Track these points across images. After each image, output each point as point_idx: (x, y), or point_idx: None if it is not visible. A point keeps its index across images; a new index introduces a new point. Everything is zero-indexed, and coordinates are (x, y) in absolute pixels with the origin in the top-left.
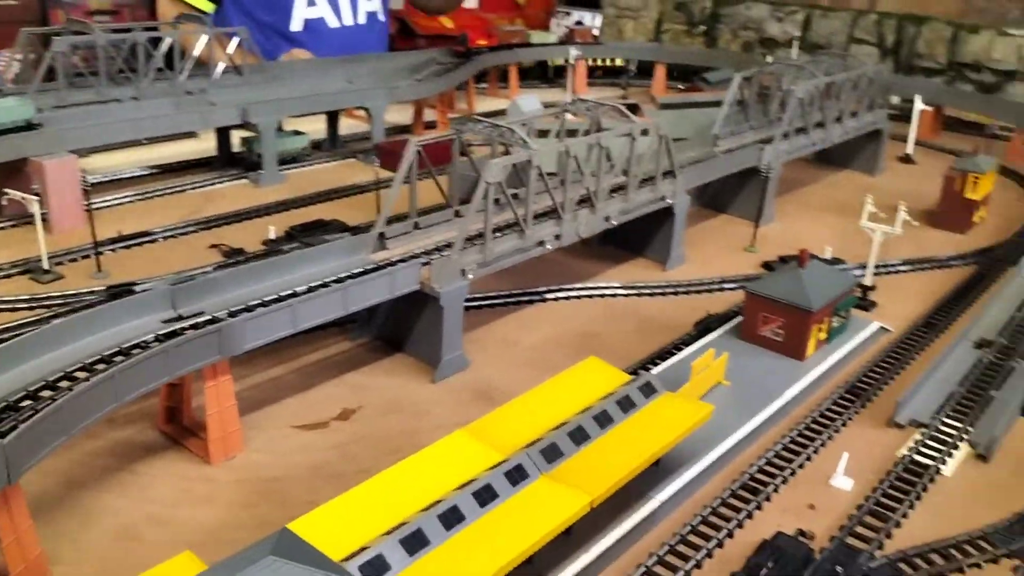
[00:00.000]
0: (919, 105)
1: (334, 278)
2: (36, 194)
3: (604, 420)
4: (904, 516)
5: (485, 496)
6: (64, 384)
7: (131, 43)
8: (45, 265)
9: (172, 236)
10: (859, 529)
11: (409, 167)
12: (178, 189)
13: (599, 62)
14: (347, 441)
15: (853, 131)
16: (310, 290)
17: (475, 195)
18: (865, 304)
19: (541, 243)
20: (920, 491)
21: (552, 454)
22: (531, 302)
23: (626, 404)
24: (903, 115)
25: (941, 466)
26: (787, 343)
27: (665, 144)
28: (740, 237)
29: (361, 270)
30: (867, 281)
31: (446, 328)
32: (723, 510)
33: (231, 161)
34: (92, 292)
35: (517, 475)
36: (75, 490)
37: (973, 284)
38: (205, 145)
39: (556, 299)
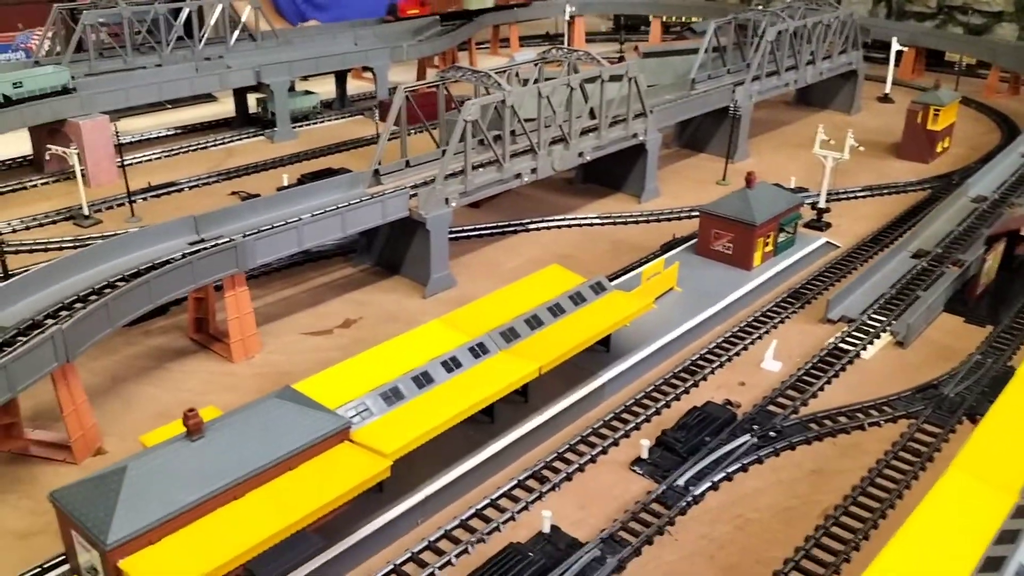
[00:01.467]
0: (895, 47)
1: (333, 207)
2: (75, 151)
3: (557, 311)
4: (821, 390)
5: (452, 365)
6: (107, 291)
7: (153, 15)
8: (85, 211)
9: (196, 186)
10: (780, 399)
11: (399, 112)
12: (201, 146)
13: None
14: (349, 344)
15: (827, 72)
16: (312, 216)
17: (454, 132)
18: (820, 224)
19: (518, 176)
20: (839, 371)
21: (510, 335)
22: (515, 232)
23: (578, 299)
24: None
25: (862, 351)
26: (736, 255)
27: (636, 87)
28: (714, 172)
29: (357, 199)
30: (821, 203)
31: (433, 250)
32: (664, 387)
33: (248, 121)
34: (128, 231)
35: (480, 350)
36: (119, 384)
37: (924, 206)
38: (223, 108)
39: (538, 229)
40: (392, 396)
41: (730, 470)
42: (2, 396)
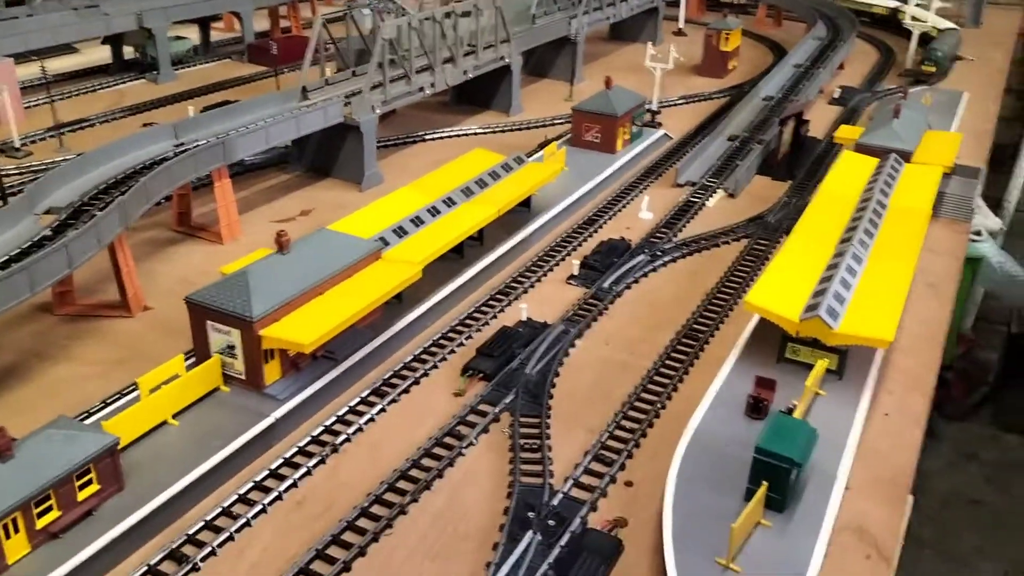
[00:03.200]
0: None
1: (289, 111)
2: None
3: (495, 176)
4: (683, 227)
5: (434, 212)
6: (136, 177)
7: None
8: (16, 144)
9: (107, 121)
10: (658, 234)
11: (317, 36)
12: (89, 90)
13: None
14: (313, 225)
15: (636, 8)
16: (274, 119)
17: (375, 49)
18: (653, 124)
19: (421, 88)
20: (693, 215)
21: (468, 192)
22: (414, 142)
23: (507, 168)
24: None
25: (706, 202)
26: (603, 142)
27: (501, 18)
28: (560, 93)
29: (305, 105)
30: (654, 107)
31: (366, 150)
32: (574, 233)
33: (125, 67)
34: (66, 159)
35: (450, 202)
36: (137, 263)
37: (727, 107)
38: (86, 58)
39: (432, 139)
40: (400, 232)
41: (636, 276)
42: (91, 251)
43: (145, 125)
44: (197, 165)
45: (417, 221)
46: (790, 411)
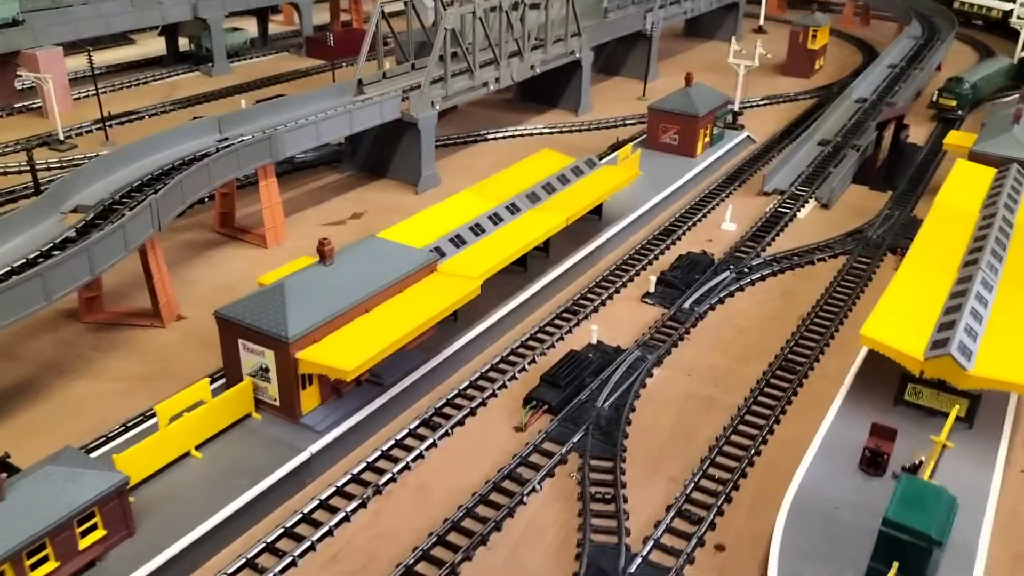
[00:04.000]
0: None
1: (342, 106)
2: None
3: (564, 180)
4: (772, 241)
5: (496, 219)
6: (172, 174)
7: None
8: (60, 137)
9: (155, 114)
10: (744, 248)
11: (376, 27)
12: (142, 81)
13: None
14: (362, 231)
15: (716, 3)
16: (326, 115)
17: (436, 41)
18: (736, 125)
19: (485, 84)
20: (782, 228)
21: (534, 198)
22: (475, 141)
23: (577, 171)
24: None
25: (797, 213)
26: (681, 145)
27: (572, 9)
28: (632, 91)
29: (361, 100)
30: (735, 107)
31: (424, 149)
32: (650, 245)
33: (179, 59)
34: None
35: (513, 209)
36: (171, 269)
37: (815, 109)
38: (142, 49)
39: (496, 138)
40: (458, 241)
41: (721, 295)
42: (117, 256)
43: (195, 119)
44: (240, 162)
45: (477, 229)
46: (915, 468)
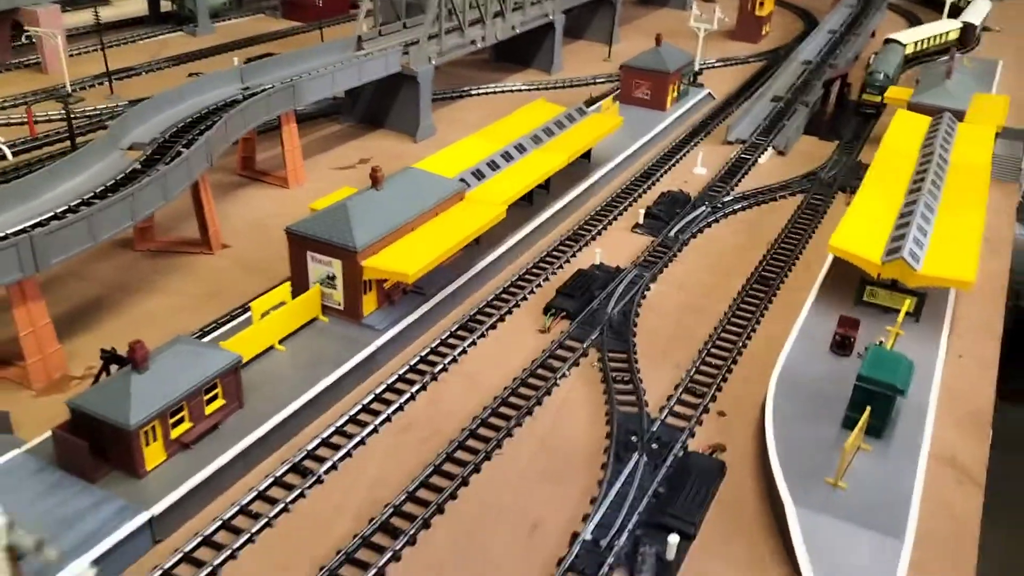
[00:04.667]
0: None
1: (348, 59)
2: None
3: (560, 125)
4: (738, 182)
5: (507, 157)
6: (215, 116)
7: None
8: (69, 90)
9: (151, 71)
10: (714, 189)
11: None
12: (129, 40)
13: None
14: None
15: None
16: (339, 65)
17: (432, 1)
18: (698, 84)
19: (473, 41)
20: (746, 171)
21: (537, 140)
22: (461, 96)
23: (570, 118)
24: None
25: (758, 159)
26: (653, 99)
27: None
28: (597, 53)
29: (362, 54)
30: (696, 67)
31: (422, 100)
32: (633, 185)
33: (162, 19)
34: (118, 105)
35: (520, 149)
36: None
37: (764, 71)
38: (119, 10)
39: (479, 95)
40: (479, 175)
41: (700, 226)
42: (184, 184)
43: (191, 75)
44: (270, 107)
45: (493, 165)
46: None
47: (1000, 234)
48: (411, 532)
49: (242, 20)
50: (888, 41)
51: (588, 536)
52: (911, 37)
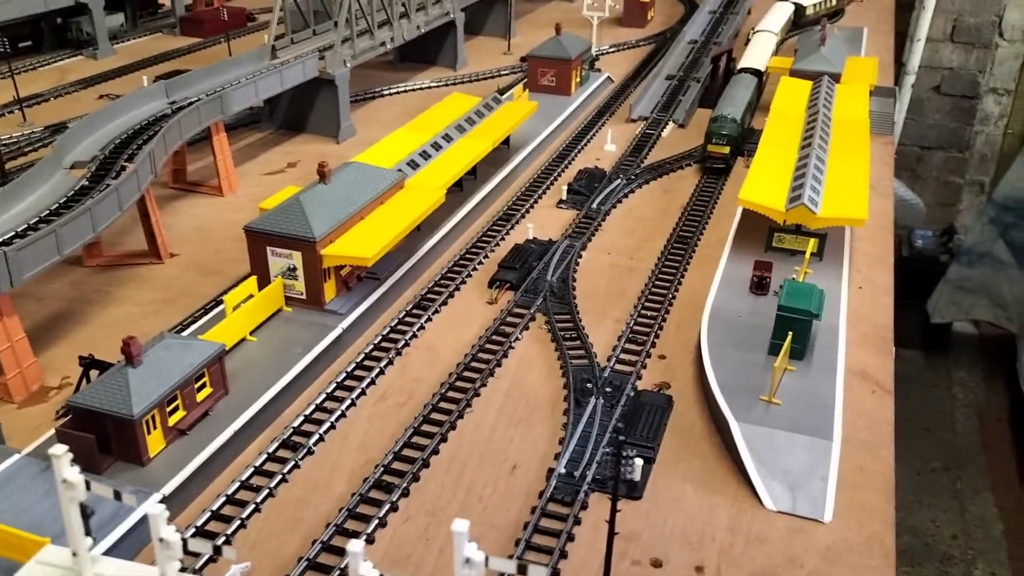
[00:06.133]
0: None
1: (271, 67)
2: None
3: (479, 115)
4: (647, 155)
5: (437, 147)
6: (150, 130)
7: None
8: None
9: (60, 96)
10: (625, 163)
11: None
12: (30, 67)
13: None
14: (302, 176)
15: None
16: (261, 74)
17: (342, 3)
18: (596, 68)
19: (384, 43)
20: (652, 145)
21: (461, 129)
22: (374, 98)
23: (487, 108)
24: None
25: (661, 133)
26: (559, 85)
27: None
28: (497, 47)
29: (281, 61)
30: (593, 53)
31: (341, 103)
32: (551, 166)
33: (61, 44)
34: (34, 131)
35: (448, 139)
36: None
37: (654, 53)
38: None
39: (391, 94)
40: (413, 164)
41: (619, 196)
42: (134, 196)
43: (101, 96)
44: (201, 118)
45: (425, 155)
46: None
47: (883, 180)
48: (404, 486)
49: (141, 40)
50: (742, 71)
51: (562, 470)
52: (777, 25)
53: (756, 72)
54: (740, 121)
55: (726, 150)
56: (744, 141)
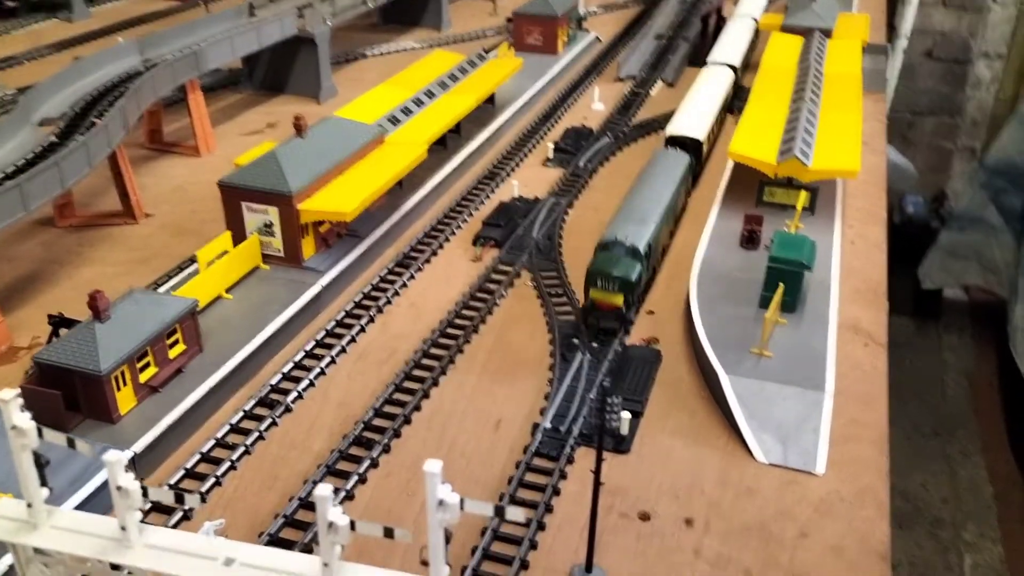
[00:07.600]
0: None
1: (248, 24)
2: None
3: (463, 71)
4: (635, 114)
5: (420, 102)
6: (123, 87)
7: None
8: None
9: (33, 59)
10: (613, 121)
11: None
12: (3, 31)
13: None
14: (281, 136)
15: None
16: (238, 30)
17: None
18: (583, 28)
19: (364, 1)
20: (641, 103)
21: (444, 85)
22: (357, 59)
23: (471, 64)
24: None
25: (650, 92)
26: (545, 44)
27: None
28: (481, 9)
29: (259, 19)
30: (581, 13)
31: (321, 62)
32: (537, 124)
33: (34, 8)
34: (6, 94)
35: (430, 95)
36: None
37: (643, 14)
38: None
39: (374, 56)
40: (394, 120)
41: (606, 155)
42: (104, 153)
43: (76, 59)
44: (175, 75)
45: (406, 111)
46: None
47: (875, 137)
48: (384, 442)
49: (118, 3)
50: (671, 142)
51: (548, 425)
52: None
53: (695, 142)
54: (650, 249)
55: (618, 300)
56: (655, 274)
